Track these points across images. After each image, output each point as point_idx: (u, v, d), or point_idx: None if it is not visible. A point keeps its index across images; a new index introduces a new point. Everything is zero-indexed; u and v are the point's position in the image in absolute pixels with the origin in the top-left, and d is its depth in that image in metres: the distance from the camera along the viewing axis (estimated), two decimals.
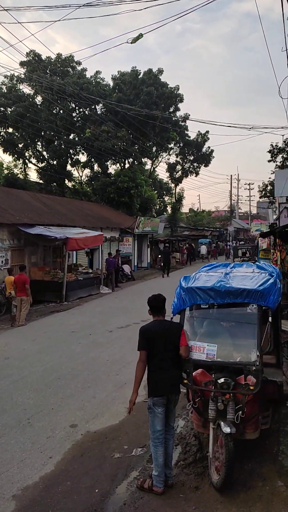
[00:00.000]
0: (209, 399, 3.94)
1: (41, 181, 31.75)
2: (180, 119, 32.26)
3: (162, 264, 24.10)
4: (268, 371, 4.34)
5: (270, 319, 4.12)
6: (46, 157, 31.55)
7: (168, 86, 30.99)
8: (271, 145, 30.52)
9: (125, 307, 13.59)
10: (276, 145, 30.23)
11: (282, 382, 4.62)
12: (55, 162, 31.60)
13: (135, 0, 6.54)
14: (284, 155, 30.26)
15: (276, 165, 30.98)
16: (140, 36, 6.62)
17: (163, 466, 3.87)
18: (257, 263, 6.12)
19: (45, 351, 8.52)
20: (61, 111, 28.95)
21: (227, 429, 3.71)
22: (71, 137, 30.41)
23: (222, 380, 3.86)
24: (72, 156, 31.96)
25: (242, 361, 3.98)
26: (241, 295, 4.16)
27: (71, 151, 31.43)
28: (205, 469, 4.15)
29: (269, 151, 30.87)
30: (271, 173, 31.23)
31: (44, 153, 31.24)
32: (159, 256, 28.91)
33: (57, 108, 28.98)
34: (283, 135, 35.74)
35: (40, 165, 31.94)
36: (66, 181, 32.89)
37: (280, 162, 30.75)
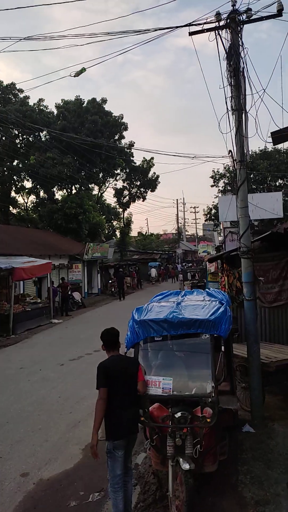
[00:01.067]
0: (166, 435, 3.85)
1: None
2: (125, 147, 33.00)
3: (117, 288, 24.95)
4: (223, 399, 4.35)
5: (222, 348, 4.16)
6: None
7: (113, 115, 31.77)
8: (213, 171, 32.13)
9: (77, 337, 13.20)
10: (217, 171, 31.86)
11: (237, 409, 4.65)
12: None
13: (76, 36, 6.67)
14: (225, 180, 31.91)
15: (219, 189, 32.55)
16: (83, 70, 6.73)
17: None
18: (207, 289, 6.24)
19: None
20: (4, 138, 28.43)
21: (186, 466, 3.62)
22: (14, 163, 29.85)
23: (179, 414, 3.80)
24: (17, 183, 31.30)
25: (197, 393, 3.95)
26: (194, 325, 4.18)
27: (15, 177, 30.78)
28: (166, 509, 4.00)
29: (211, 177, 32.45)
30: (215, 197, 32.71)
31: None
32: (110, 281, 28.80)
33: None
34: (224, 163, 37.60)
35: None
36: (11, 208, 31.99)
37: (222, 186, 32.37)
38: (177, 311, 4.43)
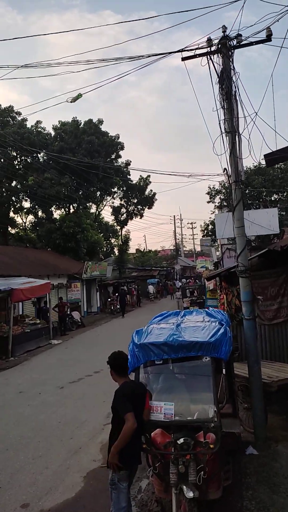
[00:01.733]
0: (169, 462, 3.78)
1: None
2: (122, 166, 33.39)
3: (119, 306, 25.66)
4: (225, 423, 4.29)
5: (223, 370, 4.13)
6: None
7: (109, 135, 32.25)
8: (209, 187, 32.49)
9: (76, 358, 13.06)
10: (213, 187, 32.22)
11: (240, 432, 4.59)
12: None
13: (72, 63, 6.86)
14: (221, 196, 32.21)
15: (215, 205, 32.84)
16: (79, 96, 6.88)
17: None
18: (206, 309, 6.22)
19: None
20: (2, 160, 28.75)
21: (190, 494, 3.56)
22: (13, 184, 30.11)
23: (182, 440, 3.74)
24: (15, 203, 31.50)
25: (200, 418, 3.90)
26: (194, 348, 4.15)
27: (13, 198, 31.00)
28: None
29: (207, 193, 32.77)
30: (211, 213, 32.98)
31: None
32: (109, 299, 28.74)
33: None
34: (219, 181, 37.99)
35: None
36: (10, 228, 32.10)
37: (218, 202, 32.66)
38: (177, 333, 4.41)
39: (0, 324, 14.60)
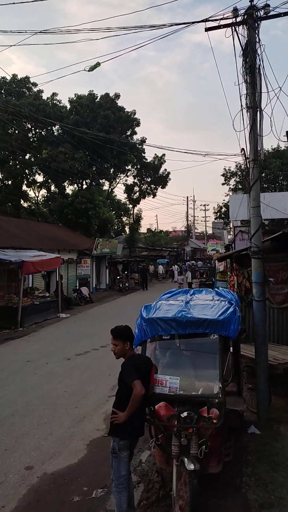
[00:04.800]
0: (172, 434, 3.83)
1: None
2: (137, 143, 32.87)
3: (141, 280, 29.35)
4: (229, 400, 4.32)
5: (231, 349, 4.12)
6: (1, 177, 30.76)
7: (125, 110, 31.63)
8: (224, 169, 31.93)
9: (84, 332, 13.24)
10: (229, 169, 31.65)
11: (243, 410, 4.61)
12: (9, 182, 30.87)
13: (91, 30, 6.61)
14: (236, 179, 31.67)
15: (230, 187, 32.37)
16: (98, 64, 6.68)
17: None
18: (215, 289, 6.19)
19: None
20: (17, 132, 28.52)
21: (191, 466, 3.60)
22: (27, 157, 29.96)
23: (185, 414, 3.77)
24: (28, 176, 31.42)
25: (204, 394, 3.92)
26: (202, 325, 4.14)
27: (27, 171, 30.90)
28: (169, 508, 3.99)
29: (223, 175, 32.24)
30: (225, 195, 32.56)
31: None
32: (118, 277, 28.94)
33: (12, 128, 28.52)
34: (235, 162, 37.26)
35: None
36: (22, 202, 32.15)
37: (233, 185, 32.16)
38: (186, 310, 4.39)
39: (10, 295, 14.81)
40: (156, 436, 3.95)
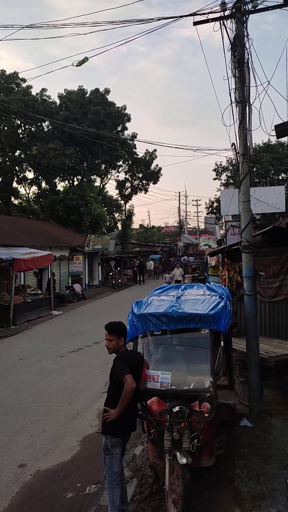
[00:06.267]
0: (164, 429, 3.84)
1: None
2: (128, 138, 32.71)
3: (138, 274, 30.08)
4: (221, 394, 4.35)
5: (222, 343, 4.14)
6: None
7: (116, 105, 31.43)
8: (216, 163, 31.92)
9: (77, 329, 13.22)
10: (220, 164, 31.66)
11: (235, 404, 4.65)
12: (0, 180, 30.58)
13: (79, 24, 6.53)
14: (228, 174, 31.71)
15: (221, 182, 32.39)
16: (86, 59, 6.62)
17: (119, 507, 3.67)
18: (207, 284, 6.20)
19: None
20: (6, 128, 28.21)
21: (183, 460, 3.63)
22: (16, 154, 29.65)
23: (177, 408, 3.79)
24: (19, 173, 31.13)
25: (196, 388, 3.94)
26: (193, 320, 4.15)
27: (17, 168, 30.62)
28: (162, 502, 4.02)
29: (214, 170, 32.24)
30: (217, 190, 32.57)
31: None
32: (110, 273, 28.93)
33: (1, 125, 28.20)
34: (226, 156, 37.32)
35: None
36: (13, 199, 31.87)
37: (225, 180, 32.19)
38: (177, 305, 4.40)
39: (1, 293, 14.72)
40: (148, 431, 3.97)
